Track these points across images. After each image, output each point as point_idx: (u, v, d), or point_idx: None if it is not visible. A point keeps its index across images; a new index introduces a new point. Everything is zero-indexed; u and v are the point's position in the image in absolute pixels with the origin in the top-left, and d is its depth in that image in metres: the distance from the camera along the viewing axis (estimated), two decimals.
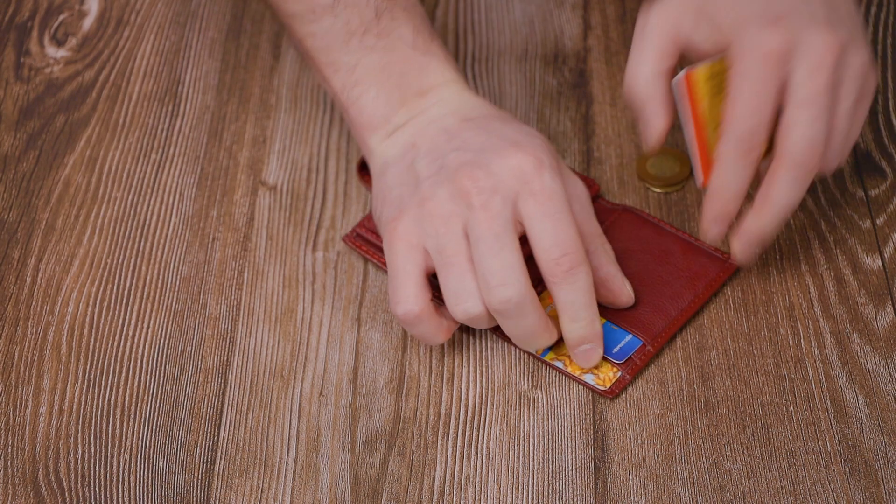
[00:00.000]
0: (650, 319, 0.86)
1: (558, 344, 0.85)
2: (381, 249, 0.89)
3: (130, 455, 0.83)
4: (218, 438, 0.83)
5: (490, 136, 0.85)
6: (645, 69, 0.84)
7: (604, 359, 0.85)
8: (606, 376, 0.84)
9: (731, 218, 0.84)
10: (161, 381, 0.86)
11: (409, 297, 0.82)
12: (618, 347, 0.85)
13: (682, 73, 0.83)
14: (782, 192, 0.82)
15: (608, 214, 0.91)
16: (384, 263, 0.89)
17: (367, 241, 0.91)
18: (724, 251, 0.89)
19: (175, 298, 0.90)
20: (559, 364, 0.85)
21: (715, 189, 0.84)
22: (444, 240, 0.82)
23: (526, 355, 0.86)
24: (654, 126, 0.84)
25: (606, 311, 0.86)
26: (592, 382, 0.84)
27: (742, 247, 0.85)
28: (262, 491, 0.81)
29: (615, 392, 0.84)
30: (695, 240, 0.90)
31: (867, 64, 0.83)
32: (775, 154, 0.82)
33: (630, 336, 0.85)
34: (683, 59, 0.85)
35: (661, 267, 0.88)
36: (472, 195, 0.82)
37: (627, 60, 0.85)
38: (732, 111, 0.82)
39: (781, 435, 0.82)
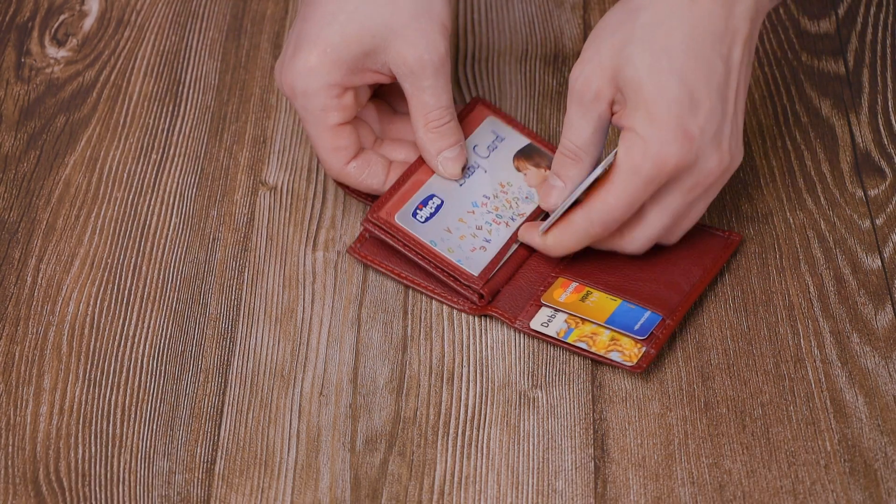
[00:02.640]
0: (665, 295, 0.87)
1: (581, 326, 0.86)
2: (386, 255, 0.90)
3: (131, 455, 0.83)
4: (218, 438, 0.83)
5: None
6: (586, 132, 0.86)
7: (627, 336, 0.85)
8: (632, 352, 0.85)
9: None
10: (161, 381, 0.86)
11: None
12: (638, 324, 0.85)
13: (605, 162, 0.85)
14: (567, 240, 0.87)
15: None
16: (394, 274, 0.90)
17: (372, 249, 0.91)
18: (724, 229, 0.90)
19: (175, 298, 0.90)
20: (583, 345, 0.85)
21: (549, 245, 0.87)
22: None
23: (526, 354, 0.86)
24: (566, 193, 0.87)
25: (624, 291, 0.87)
26: (619, 359, 0.84)
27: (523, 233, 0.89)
28: (262, 491, 0.81)
29: (643, 367, 0.84)
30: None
31: (735, 169, 0.86)
32: (587, 203, 0.86)
33: (649, 312, 0.86)
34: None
35: (671, 247, 0.89)
36: None
37: (566, 123, 0.86)
38: (607, 195, 0.84)
39: (781, 435, 0.82)
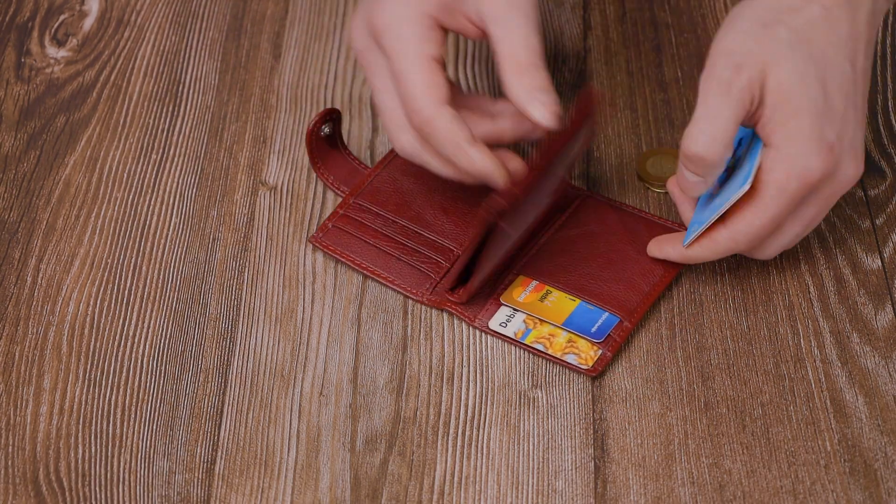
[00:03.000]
0: (624, 296, 0.87)
1: (539, 326, 0.86)
2: (346, 245, 0.90)
3: (131, 455, 0.83)
4: (218, 438, 0.83)
5: None
6: (724, 139, 0.81)
7: (583, 338, 0.85)
8: (588, 355, 0.85)
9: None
10: (161, 381, 0.86)
11: None
12: (595, 326, 0.85)
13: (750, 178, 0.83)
14: (706, 252, 0.85)
15: (572, 199, 0.92)
16: (354, 264, 0.90)
17: (335, 240, 0.91)
18: (684, 224, 0.90)
19: (175, 298, 0.90)
20: (539, 347, 0.85)
21: (690, 255, 0.86)
22: None
23: (526, 354, 0.86)
24: (706, 186, 0.84)
25: (581, 291, 0.87)
26: (575, 362, 0.85)
27: (657, 250, 0.88)
28: (262, 491, 0.81)
29: (598, 370, 0.84)
30: (657, 218, 0.91)
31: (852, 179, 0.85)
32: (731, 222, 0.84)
33: (606, 314, 0.86)
34: None
35: (629, 245, 0.89)
36: None
37: (696, 115, 0.82)
38: (753, 215, 0.83)
39: (781, 434, 0.82)
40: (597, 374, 0.84)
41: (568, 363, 0.85)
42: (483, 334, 0.87)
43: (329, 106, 1.00)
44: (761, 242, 0.85)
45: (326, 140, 0.94)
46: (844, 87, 0.82)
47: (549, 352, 0.85)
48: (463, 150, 0.83)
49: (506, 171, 0.84)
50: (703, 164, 0.82)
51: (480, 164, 0.84)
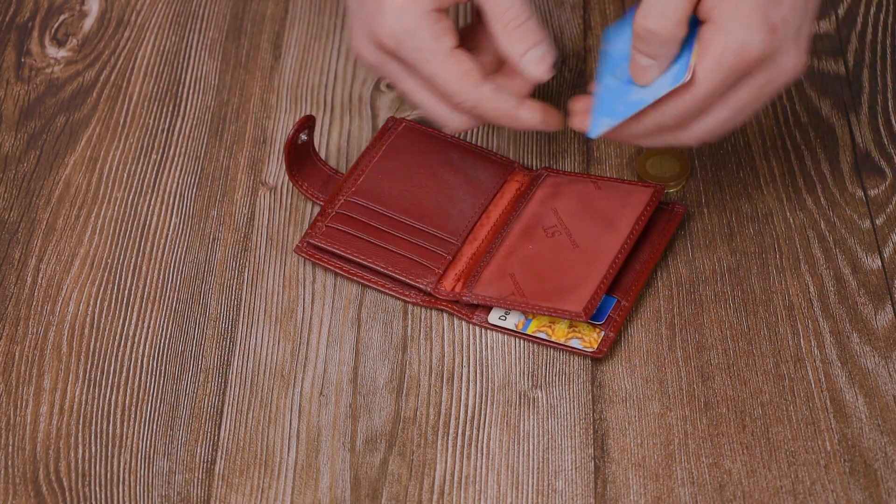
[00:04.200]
0: (617, 276, 0.87)
1: (539, 316, 0.86)
2: (335, 256, 0.90)
3: (131, 455, 0.83)
4: (218, 438, 0.83)
5: None
6: (678, 13, 0.81)
7: (585, 322, 0.85)
8: (591, 338, 0.85)
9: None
10: (161, 381, 0.86)
11: None
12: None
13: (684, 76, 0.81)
14: (647, 139, 0.84)
15: (532, 184, 0.93)
16: (339, 269, 0.89)
17: (319, 249, 0.90)
18: (668, 201, 0.90)
19: (175, 298, 0.90)
20: (542, 335, 0.85)
21: (619, 129, 0.84)
22: None
23: (526, 354, 0.86)
24: (659, 71, 0.83)
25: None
26: (580, 346, 0.85)
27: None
28: (262, 491, 0.81)
29: (603, 351, 0.84)
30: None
31: (803, 71, 0.83)
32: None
33: (603, 296, 0.86)
34: None
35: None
36: None
37: None
38: (684, 94, 0.81)
39: (781, 434, 0.82)
40: (602, 355, 0.84)
41: (573, 348, 0.85)
42: (483, 335, 0.87)
43: (329, 106, 1.00)
44: (687, 121, 0.82)
45: (301, 148, 0.93)
46: None
47: (553, 339, 0.85)
48: (514, 116, 0.86)
49: (558, 114, 0.87)
50: (655, 40, 0.81)
51: (532, 121, 0.86)
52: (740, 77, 0.81)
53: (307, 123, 0.92)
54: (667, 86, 0.81)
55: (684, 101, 0.81)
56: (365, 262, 0.89)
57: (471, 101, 0.85)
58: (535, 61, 0.85)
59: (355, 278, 0.89)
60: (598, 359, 0.85)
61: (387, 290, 0.89)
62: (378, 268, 0.88)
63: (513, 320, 0.87)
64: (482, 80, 0.85)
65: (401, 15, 0.84)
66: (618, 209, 0.89)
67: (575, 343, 0.85)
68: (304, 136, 0.92)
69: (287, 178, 0.96)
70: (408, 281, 0.88)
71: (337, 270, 0.89)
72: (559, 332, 0.86)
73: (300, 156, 0.93)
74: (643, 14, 0.81)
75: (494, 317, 0.87)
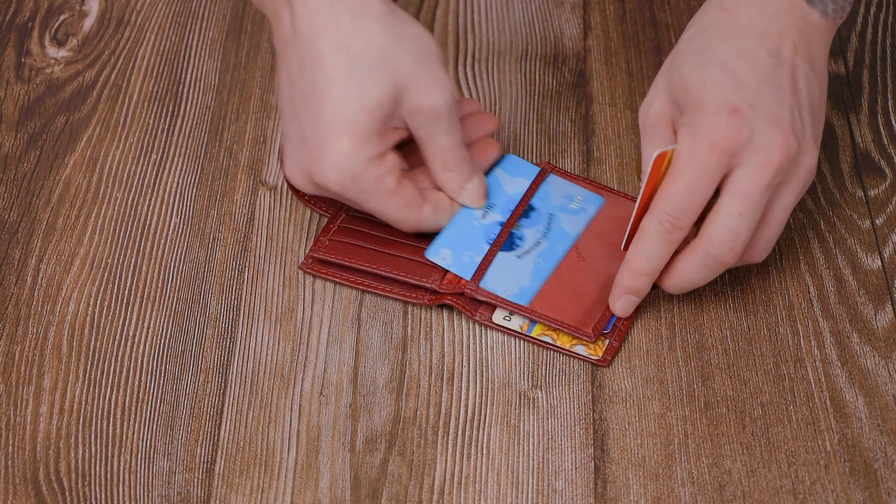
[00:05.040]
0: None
1: (545, 323, 0.86)
2: (339, 267, 0.90)
3: (131, 455, 0.83)
4: (218, 438, 0.83)
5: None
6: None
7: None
8: (596, 346, 0.85)
9: (640, 295, 0.85)
10: (161, 381, 0.86)
11: None
12: None
13: (657, 151, 0.83)
14: (688, 272, 0.84)
15: (535, 180, 0.93)
16: (345, 280, 0.89)
17: (324, 263, 0.90)
18: None
19: (175, 298, 0.90)
20: (547, 339, 0.85)
21: (630, 259, 0.85)
22: None
23: (526, 354, 0.86)
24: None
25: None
26: (584, 353, 0.85)
27: (623, 304, 0.86)
28: (262, 491, 0.81)
29: (608, 360, 0.84)
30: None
31: (813, 167, 0.84)
32: (698, 234, 0.84)
33: (611, 316, 0.86)
34: None
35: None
36: None
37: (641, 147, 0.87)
38: (667, 188, 0.83)
39: (781, 434, 0.82)
40: (607, 364, 0.84)
41: (577, 354, 0.85)
42: (483, 335, 0.87)
43: None
44: (702, 232, 0.83)
45: None
46: (758, 68, 0.83)
47: (558, 343, 0.85)
48: (451, 213, 0.90)
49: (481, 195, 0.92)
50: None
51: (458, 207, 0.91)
52: (723, 166, 0.82)
53: None
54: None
55: (668, 197, 0.82)
56: (370, 269, 0.89)
57: (411, 227, 0.88)
58: (471, 193, 0.90)
59: (360, 287, 0.89)
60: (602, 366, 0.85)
61: (392, 295, 0.88)
62: (383, 273, 0.88)
63: (518, 321, 0.87)
64: (421, 206, 0.88)
65: (346, 163, 0.85)
66: (624, 225, 0.89)
67: (580, 350, 0.85)
68: None
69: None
70: (414, 282, 0.88)
71: (342, 282, 0.89)
72: (564, 338, 0.86)
73: None
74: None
75: (499, 316, 0.87)
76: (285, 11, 0.86)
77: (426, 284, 0.88)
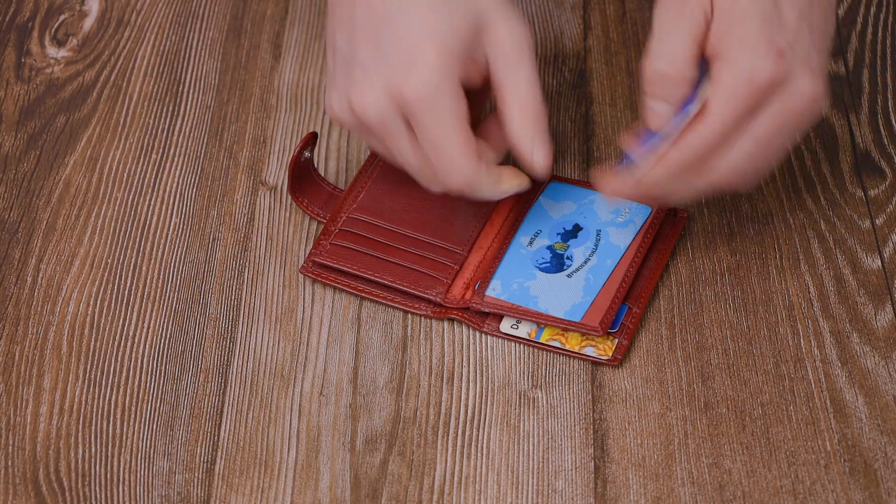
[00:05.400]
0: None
1: (551, 325, 0.86)
2: (341, 273, 0.89)
3: (131, 455, 0.83)
4: (218, 438, 0.83)
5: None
6: (685, 52, 0.81)
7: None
8: (605, 345, 0.85)
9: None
10: (161, 381, 0.86)
11: None
12: None
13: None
14: (679, 193, 0.84)
15: (534, 188, 0.92)
16: (346, 286, 0.89)
17: (325, 268, 0.90)
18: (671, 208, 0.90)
19: (175, 298, 0.90)
20: (556, 343, 0.85)
21: (645, 182, 0.83)
22: None
23: (526, 354, 0.86)
24: (673, 113, 0.83)
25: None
26: (594, 354, 0.85)
27: (611, 185, 0.85)
28: (262, 491, 0.81)
29: (619, 359, 0.84)
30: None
31: (824, 108, 0.83)
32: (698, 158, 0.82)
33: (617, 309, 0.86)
34: None
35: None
36: None
37: (654, 37, 0.82)
38: (700, 129, 0.81)
39: (781, 434, 0.82)
40: (618, 363, 0.84)
41: (588, 356, 0.85)
42: (483, 334, 0.87)
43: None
44: (710, 158, 0.82)
45: (303, 165, 0.93)
46: (798, 4, 0.81)
47: (567, 347, 0.85)
48: (494, 193, 0.87)
49: (525, 177, 0.88)
50: (666, 81, 0.81)
51: (511, 190, 0.88)
52: (755, 106, 0.81)
53: (311, 141, 0.92)
54: (679, 123, 0.82)
55: (701, 135, 0.81)
56: (372, 278, 0.88)
57: (462, 176, 0.84)
58: (543, 157, 0.85)
59: (363, 294, 0.89)
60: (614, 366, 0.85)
61: (395, 304, 0.88)
62: (386, 282, 0.88)
63: (525, 329, 0.86)
64: (479, 161, 0.85)
65: (434, 72, 0.83)
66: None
67: (589, 351, 0.85)
68: (307, 154, 0.92)
69: (286, 177, 0.96)
70: (417, 293, 0.88)
71: (343, 288, 0.89)
72: (573, 341, 0.86)
73: (301, 173, 0.93)
74: (651, 57, 0.82)
75: (507, 325, 0.87)
76: None
77: (429, 296, 0.88)
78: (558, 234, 0.89)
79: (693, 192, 0.84)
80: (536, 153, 0.85)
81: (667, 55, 0.81)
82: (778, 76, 0.80)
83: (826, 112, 0.98)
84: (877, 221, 0.92)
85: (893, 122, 0.98)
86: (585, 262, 0.88)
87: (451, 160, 0.84)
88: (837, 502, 0.79)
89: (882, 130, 0.97)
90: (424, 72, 0.83)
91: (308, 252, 0.91)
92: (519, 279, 0.87)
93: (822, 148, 0.96)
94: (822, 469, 0.81)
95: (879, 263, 0.90)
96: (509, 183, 0.87)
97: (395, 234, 0.90)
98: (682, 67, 0.81)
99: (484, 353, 0.87)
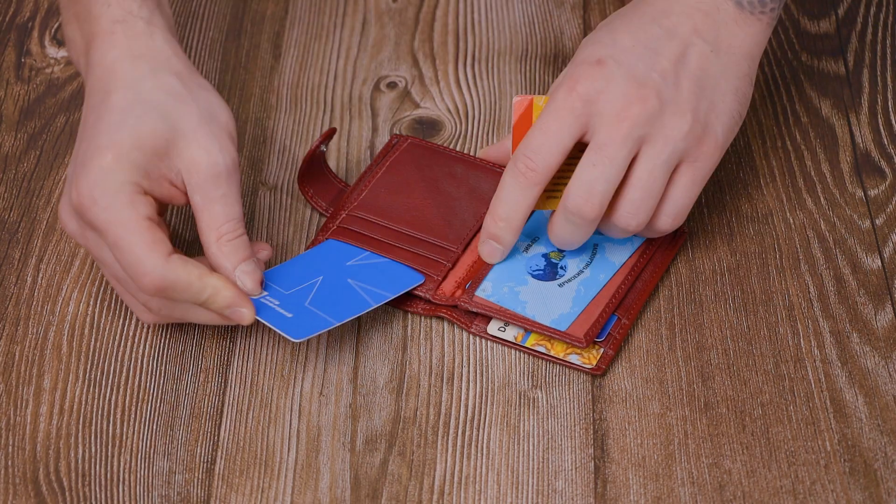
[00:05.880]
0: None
1: (536, 331, 0.86)
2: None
3: (131, 455, 0.83)
4: (218, 438, 0.83)
5: None
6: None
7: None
8: (591, 354, 0.85)
9: (501, 242, 0.87)
10: (161, 381, 0.86)
11: None
12: None
13: (527, 97, 0.85)
14: (557, 228, 0.86)
15: None
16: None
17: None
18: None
19: None
20: (541, 349, 0.85)
21: (492, 205, 0.86)
22: None
23: (525, 355, 0.86)
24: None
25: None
26: (578, 362, 0.85)
27: (486, 249, 0.88)
28: (262, 490, 0.81)
29: (602, 369, 0.84)
30: None
31: (687, 133, 0.84)
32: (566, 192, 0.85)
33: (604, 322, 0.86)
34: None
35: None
36: None
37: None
38: (528, 135, 0.84)
39: (781, 434, 0.82)
40: (601, 373, 0.84)
41: (571, 363, 0.85)
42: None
43: (329, 106, 1.00)
44: (614, 202, 0.84)
45: (317, 158, 0.93)
46: (641, 36, 0.85)
47: (552, 353, 0.85)
48: (199, 290, 0.82)
49: (247, 306, 0.84)
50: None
51: (221, 298, 0.83)
52: (579, 113, 0.83)
53: (330, 136, 0.92)
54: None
55: (529, 140, 0.84)
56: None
57: (154, 275, 0.81)
58: (248, 275, 0.84)
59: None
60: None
61: (388, 303, 0.88)
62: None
63: (512, 332, 0.86)
64: (169, 254, 0.82)
65: (105, 175, 0.82)
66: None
67: (573, 359, 0.85)
68: (324, 147, 0.92)
69: (287, 179, 0.96)
70: (396, 306, 0.88)
71: None
72: (558, 347, 0.85)
73: (314, 165, 0.93)
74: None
75: (493, 328, 0.87)
76: (83, 68, 0.87)
77: (418, 293, 0.88)
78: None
79: (567, 228, 0.86)
80: (241, 280, 0.84)
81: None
82: (595, 83, 0.83)
83: (826, 112, 0.98)
84: (877, 221, 0.92)
85: (893, 122, 0.98)
86: (579, 274, 0.88)
87: (135, 257, 0.81)
88: (837, 502, 0.79)
89: (882, 130, 0.97)
90: (93, 176, 0.82)
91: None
92: (510, 283, 0.87)
93: (822, 148, 0.96)
94: (822, 469, 0.81)
95: (879, 263, 0.90)
96: (215, 287, 0.82)
97: (391, 232, 0.90)
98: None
99: (484, 353, 0.87)
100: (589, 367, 0.84)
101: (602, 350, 0.85)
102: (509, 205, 0.85)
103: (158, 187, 0.83)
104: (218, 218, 0.83)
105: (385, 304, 0.87)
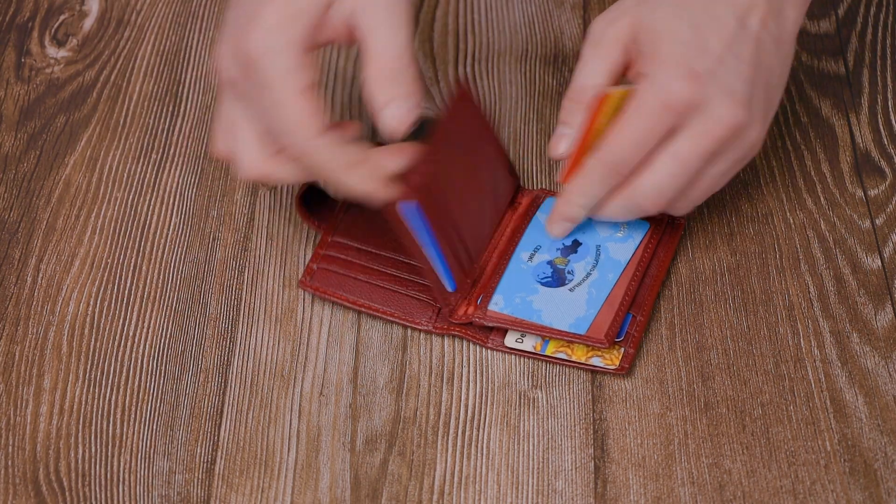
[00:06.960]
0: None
1: (556, 338, 0.86)
2: (338, 284, 0.89)
3: (131, 455, 0.83)
4: (218, 438, 0.83)
5: None
6: (597, 76, 0.85)
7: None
8: (612, 355, 0.85)
9: (574, 222, 0.87)
10: (161, 381, 0.86)
11: None
12: None
13: (603, 90, 0.84)
14: (611, 209, 0.86)
15: (531, 206, 0.92)
16: (345, 301, 0.88)
17: (325, 281, 0.89)
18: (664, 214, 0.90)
19: (175, 298, 0.90)
20: (562, 355, 0.85)
21: (570, 190, 0.86)
22: None
23: (525, 355, 0.86)
24: (570, 133, 0.86)
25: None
26: (601, 364, 0.84)
27: (559, 227, 0.89)
28: (262, 490, 0.81)
29: (626, 368, 0.84)
30: None
31: (757, 142, 0.85)
32: (627, 180, 0.85)
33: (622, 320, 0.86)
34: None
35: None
36: None
37: (579, 66, 0.85)
38: (615, 136, 0.83)
39: (781, 434, 0.82)
40: (625, 371, 0.84)
41: (595, 366, 0.85)
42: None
43: (329, 106, 1.00)
44: (633, 178, 0.84)
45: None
46: (724, 36, 0.83)
47: (573, 358, 0.85)
48: (341, 177, 0.81)
49: (387, 188, 0.82)
50: (568, 108, 0.85)
51: (361, 188, 0.81)
52: (671, 124, 0.82)
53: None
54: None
55: (614, 144, 0.83)
56: (365, 305, 0.88)
57: (300, 146, 0.80)
58: (395, 116, 0.80)
59: (363, 310, 0.88)
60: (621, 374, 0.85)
61: (395, 320, 0.88)
62: (376, 314, 0.88)
63: (530, 342, 0.86)
64: (322, 129, 0.80)
65: (269, 33, 0.80)
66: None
67: (596, 361, 0.85)
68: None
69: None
70: (407, 324, 0.87)
71: (344, 303, 0.88)
72: (579, 352, 0.85)
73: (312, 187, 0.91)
74: (569, 88, 0.85)
75: (511, 339, 0.86)
76: None
77: (421, 327, 0.87)
78: (558, 249, 0.89)
79: (623, 212, 0.86)
80: (384, 115, 0.79)
81: (578, 85, 0.85)
82: (693, 98, 0.82)
83: (826, 112, 0.98)
84: (877, 221, 0.92)
85: (893, 122, 0.98)
86: (587, 277, 0.88)
87: (285, 120, 0.79)
88: (837, 502, 0.79)
89: (882, 130, 0.97)
90: (260, 32, 0.80)
91: (307, 252, 0.91)
92: (521, 293, 0.87)
93: (822, 148, 0.96)
94: (822, 469, 0.81)
95: (879, 263, 0.90)
96: (361, 174, 0.80)
97: (380, 257, 0.89)
98: (589, 93, 0.84)
99: (484, 353, 0.87)
100: (613, 367, 0.84)
101: (623, 350, 0.85)
102: (590, 195, 0.85)
103: (325, 34, 0.81)
104: (382, 45, 0.79)
105: (394, 323, 0.88)
